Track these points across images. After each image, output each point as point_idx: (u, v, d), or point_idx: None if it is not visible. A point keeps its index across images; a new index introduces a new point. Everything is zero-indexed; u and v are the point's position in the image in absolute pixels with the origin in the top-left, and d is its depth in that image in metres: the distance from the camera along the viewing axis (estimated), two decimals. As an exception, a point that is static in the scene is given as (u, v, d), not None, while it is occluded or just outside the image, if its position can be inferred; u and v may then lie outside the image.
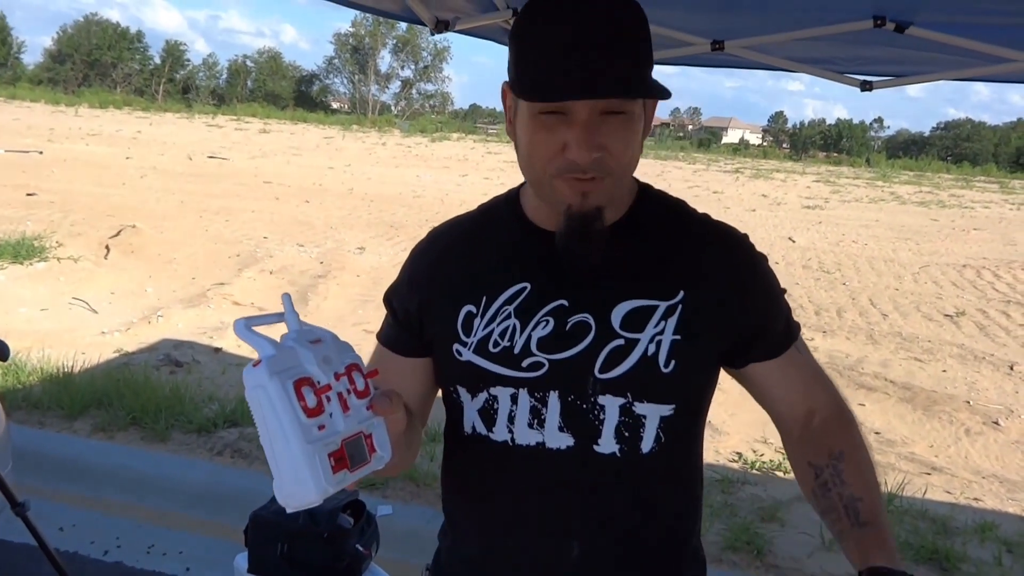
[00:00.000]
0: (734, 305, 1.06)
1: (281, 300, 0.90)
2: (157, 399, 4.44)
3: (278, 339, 0.85)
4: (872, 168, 46.94)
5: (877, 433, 5.14)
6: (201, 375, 5.24)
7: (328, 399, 0.83)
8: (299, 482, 0.79)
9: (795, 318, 1.15)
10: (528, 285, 1.06)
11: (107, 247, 8.97)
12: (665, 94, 0.93)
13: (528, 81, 0.93)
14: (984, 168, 52.37)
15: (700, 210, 1.14)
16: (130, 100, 53.48)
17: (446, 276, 1.12)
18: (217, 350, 5.80)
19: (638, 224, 1.08)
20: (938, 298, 9.81)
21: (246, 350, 5.81)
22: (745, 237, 1.11)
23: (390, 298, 1.18)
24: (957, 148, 74.79)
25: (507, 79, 0.99)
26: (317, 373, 0.83)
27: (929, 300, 9.64)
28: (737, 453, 4.59)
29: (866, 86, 2.49)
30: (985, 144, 74.30)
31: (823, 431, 1.10)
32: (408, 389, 1.15)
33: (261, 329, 0.84)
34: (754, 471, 4.33)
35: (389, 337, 1.18)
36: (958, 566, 3.33)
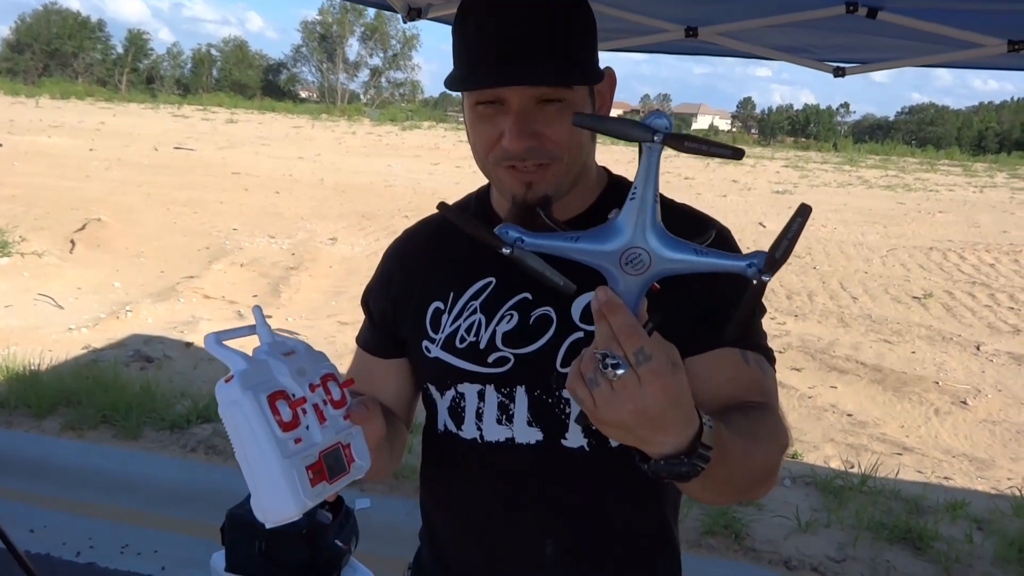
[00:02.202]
0: (702, 299, 0.99)
1: (252, 311, 0.88)
2: (128, 396, 4.37)
3: (250, 352, 0.83)
4: (839, 153, 47.43)
5: (849, 415, 5.21)
6: (172, 371, 5.16)
7: (304, 411, 0.82)
8: (277, 498, 0.77)
9: (768, 322, 1.08)
10: (493, 279, 1.06)
11: (72, 241, 8.79)
12: (593, 79, 0.94)
13: (454, 73, 0.95)
14: (948, 152, 53.18)
15: (678, 199, 1.12)
16: (92, 90, 52.32)
17: (417, 274, 1.13)
18: (188, 345, 5.71)
19: (604, 214, 1.06)
20: (906, 280, 9.96)
21: (218, 344, 5.73)
22: (726, 229, 1.07)
23: (366, 300, 1.19)
24: (921, 132, 75.92)
25: None
26: (292, 386, 0.82)
27: (897, 283, 9.79)
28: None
29: (839, 72, 2.50)
30: (948, 128, 75.51)
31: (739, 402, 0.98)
32: (390, 392, 1.16)
33: (233, 343, 0.83)
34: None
35: (367, 340, 1.18)
36: (931, 544, 3.39)
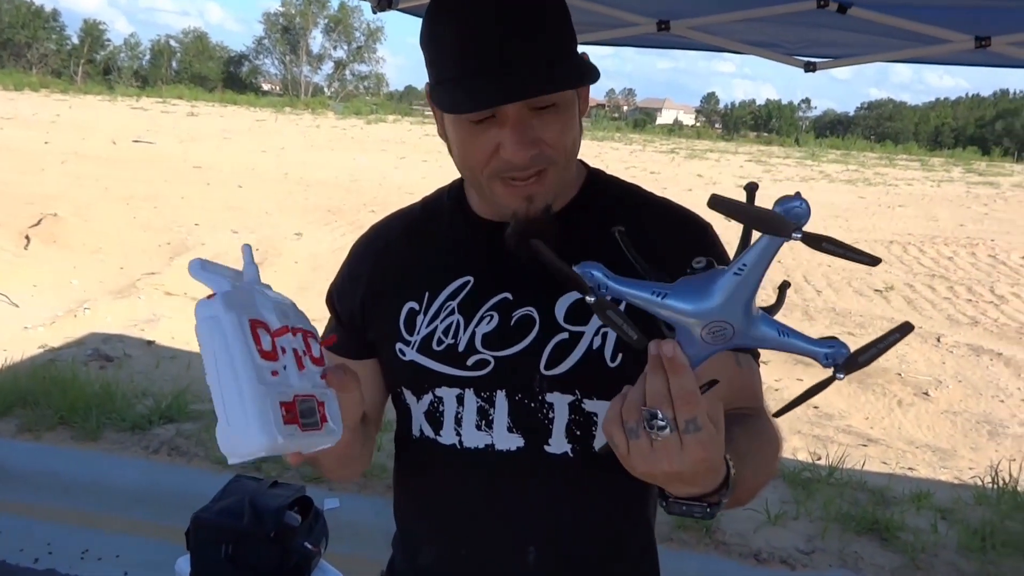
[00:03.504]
0: None
1: (241, 250, 0.82)
2: (87, 396, 4.25)
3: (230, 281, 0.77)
4: (801, 147, 48.11)
5: (816, 408, 5.28)
6: (133, 370, 5.04)
7: (283, 350, 0.76)
8: (246, 427, 0.71)
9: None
10: (471, 279, 1.02)
11: (27, 237, 8.55)
12: (593, 77, 0.90)
13: (448, 97, 0.89)
14: (906, 146, 54.33)
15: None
16: (47, 82, 51.01)
17: (387, 272, 1.08)
18: (150, 343, 5.59)
19: (585, 211, 1.04)
20: (868, 274, 10.11)
21: (180, 343, 5.62)
22: (708, 225, 1.06)
23: (332, 298, 1.13)
24: (880, 127, 77.36)
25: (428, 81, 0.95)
26: (274, 320, 0.76)
27: (860, 276, 9.94)
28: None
29: (810, 67, 2.51)
30: (906, 123, 77.06)
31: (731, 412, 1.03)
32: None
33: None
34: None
35: (335, 341, 1.13)
36: (897, 535, 3.44)
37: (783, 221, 0.65)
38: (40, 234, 8.67)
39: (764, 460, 0.94)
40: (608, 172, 1.11)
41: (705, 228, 1.05)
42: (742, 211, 0.66)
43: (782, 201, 0.65)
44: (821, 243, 0.67)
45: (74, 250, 8.39)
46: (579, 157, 1.05)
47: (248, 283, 0.78)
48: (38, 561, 2.93)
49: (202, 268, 0.76)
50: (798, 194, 0.66)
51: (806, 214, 0.65)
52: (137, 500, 3.42)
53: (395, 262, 1.08)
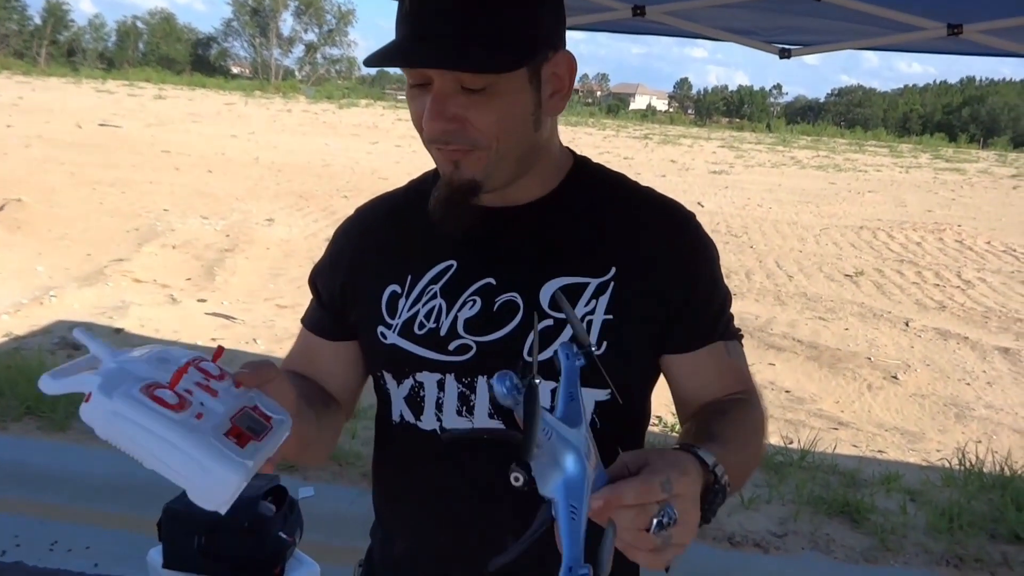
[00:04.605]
0: (669, 286, 0.99)
1: (75, 335, 0.79)
2: (54, 386, 4.17)
3: (95, 372, 0.73)
4: (772, 133, 48.53)
5: (788, 392, 5.34)
6: (102, 358, 4.95)
7: (188, 392, 0.72)
8: (213, 475, 0.68)
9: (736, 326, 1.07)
10: (454, 262, 1.01)
11: (-10, 223, 8.35)
12: (522, 61, 0.87)
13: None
14: (875, 132, 55.07)
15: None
16: (8, 63, 49.85)
17: (370, 255, 1.07)
18: (118, 331, 5.49)
19: (569, 199, 1.02)
20: (838, 259, 10.25)
21: (150, 330, 5.54)
22: (692, 216, 1.05)
23: (314, 279, 1.13)
24: (850, 114, 78.24)
25: None
26: (159, 374, 0.72)
27: (830, 261, 10.07)
28: (657, 416, 4.68)
29: (784, 54, 2.51)
30: (875, 110, 78.03)
31: (720, 400, 1.02)
32: (336, 376, 1.11)
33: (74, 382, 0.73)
34: (674, 434, 4.43)
35: (314, 320, 1.12)
36: (867, 517, 3.49)
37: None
38: (3, 220, 8.47)
39: (751, 452, 0.96)
40: (595, 161, 1.09)
41: (688, 218, 1.04)
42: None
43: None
44: None
45: (39, 236, 8.21)
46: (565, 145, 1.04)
47: (108, 360, 0.74)
48: (5, 554, 2.87)
49: (54, 379, 0.72)
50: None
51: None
52: (107, 491, 3.37)
53: (378, 245, 1.07)
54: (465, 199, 0.94)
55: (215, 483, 0.69)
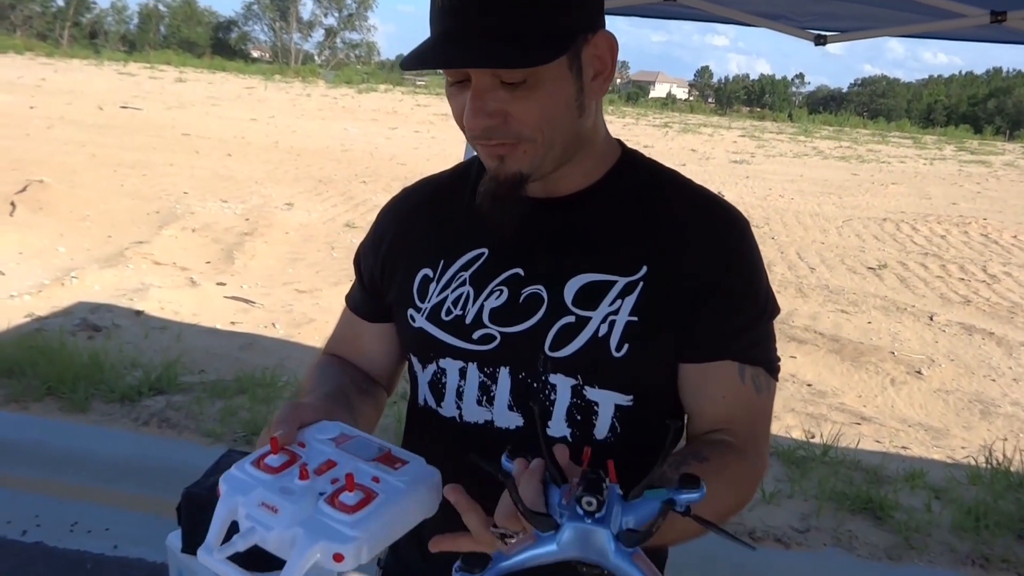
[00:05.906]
0: (697, 291, 0.94)
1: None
2: (75, 366, 4.18)
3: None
4: (794, 123, 48.01)
5: (809, 385, 5.27)
6: (122, 340, 4.97)
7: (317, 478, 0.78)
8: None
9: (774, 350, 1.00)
10: (486, 250, 0.99)
11: (12, 203, 8.41)
12: (555, 53, 0.83)
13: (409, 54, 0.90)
14: (898, 123, 54.35)
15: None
16: (32, 45, 50.13)
17: (409, 237, 1.07)
18: (139, 313, 5.51)
19: (610, 193, 0.99)
20: (861, 251, 10.12)
21: (169, 313, 5.56)
22: (739, 221, 0.99)
23: (358, 260, 1.14)
24: (873, 104, 77.25)
25: None
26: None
27: (853, 253, 9.94)
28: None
29: (820, 40, 2.44)
30: (899, 100, 76.98)
31: (709, 438, 0.96)
32: (375, 356, 1.12)
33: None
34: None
35: (355, 301, 1.15)
36: (891, 514, 3.44)
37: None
38: (26, 201, 8.53)
39: (716, 507, 0.86)
40: (647, 156, 1.05)
41: (734, 222, 0.98)
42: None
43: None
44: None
45: (61, 217, 8.26)
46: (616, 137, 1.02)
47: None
48: (26, 534, 2.89)
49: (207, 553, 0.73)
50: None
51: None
52: (127, 473, 3.38)
53: (416, 227, 1.07)
54: (513, 192, 0.91)
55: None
